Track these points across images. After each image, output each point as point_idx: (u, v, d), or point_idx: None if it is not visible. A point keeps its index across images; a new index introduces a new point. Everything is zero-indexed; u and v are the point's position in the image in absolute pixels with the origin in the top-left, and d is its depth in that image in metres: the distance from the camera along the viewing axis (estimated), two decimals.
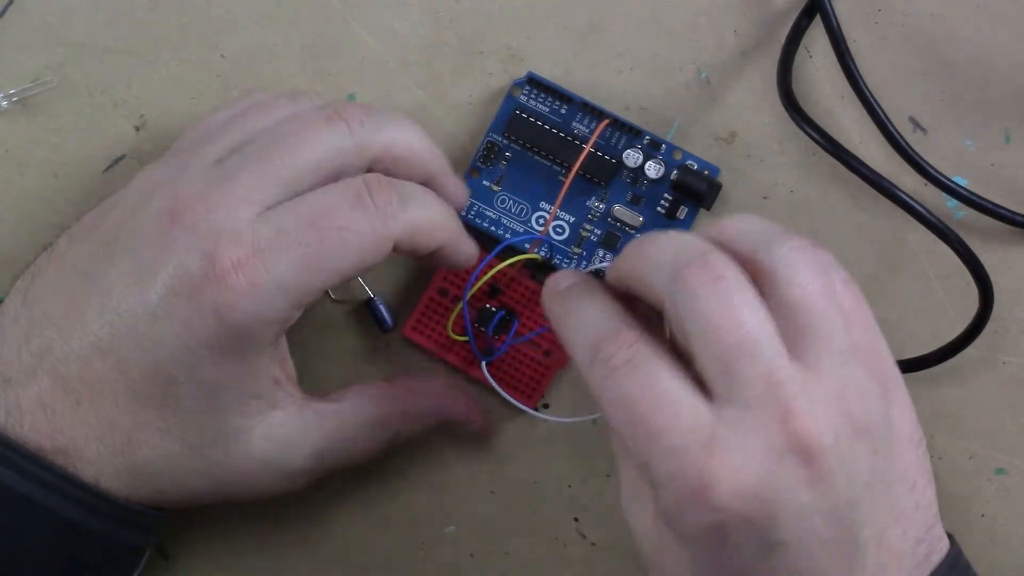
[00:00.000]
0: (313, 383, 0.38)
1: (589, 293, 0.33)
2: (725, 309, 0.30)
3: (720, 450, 0.29)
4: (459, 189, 0.38)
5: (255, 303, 0.32)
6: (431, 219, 0.35)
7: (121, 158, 0.42)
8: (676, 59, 0.42)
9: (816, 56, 0.41)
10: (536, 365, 0.41)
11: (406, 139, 0.36)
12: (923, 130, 0.42)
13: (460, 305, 0.39)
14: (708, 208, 0.40)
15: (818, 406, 0.30)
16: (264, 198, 0.33)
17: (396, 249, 0.34)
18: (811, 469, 0.30)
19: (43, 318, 0.34)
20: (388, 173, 0.35)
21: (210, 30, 0.42)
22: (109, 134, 0.41)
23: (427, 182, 0.37)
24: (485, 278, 0.39)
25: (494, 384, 0.39)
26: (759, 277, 0.31)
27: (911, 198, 0.38)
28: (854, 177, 0.39)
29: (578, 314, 0.33)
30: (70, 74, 0.41)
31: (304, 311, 0.34)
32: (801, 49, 0.41)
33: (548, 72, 0.41)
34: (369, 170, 0.35)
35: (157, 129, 0.42)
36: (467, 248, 0.37)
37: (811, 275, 0.31)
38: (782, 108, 0.40)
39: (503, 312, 0.40)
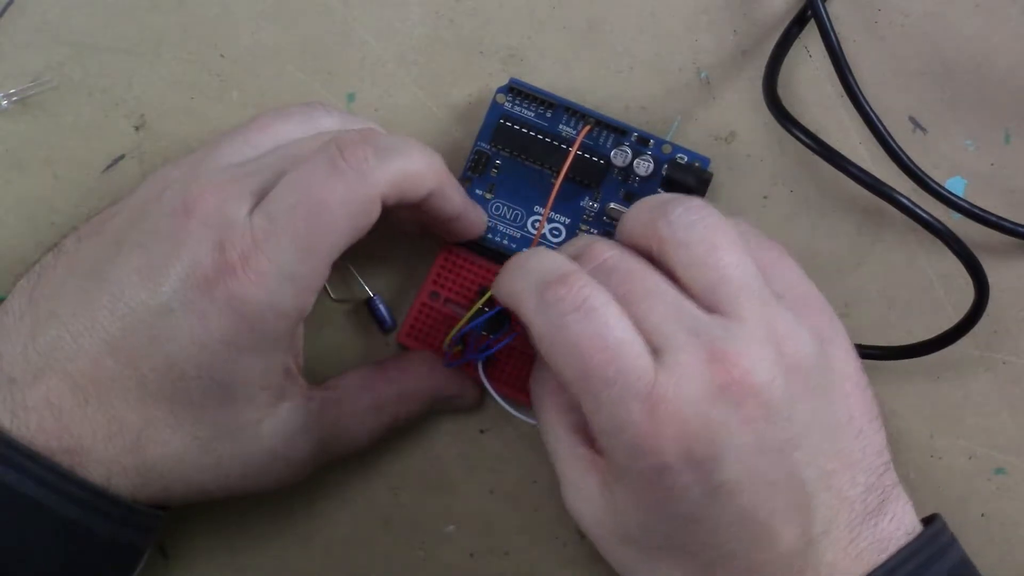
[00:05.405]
0: (313, 383, 0.38)
1: (536, 251, 0.34)
2: (588, 330, 0.31)
3: (662, 397, 0.30)
4: (477, 214, 0.39)
5: (265, 293, 0.32)
6: (413, 167, 0.34)
7: (121, 158, 0.42)
8: (676, 59, 0.42)
9: (816, 56, 0.41)
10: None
11: (415, 169, 0.34)
12: (923, 130, 0.42)
13: (456, 328, 0.38)
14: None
15: (745, 348, 0.31)
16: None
17: (387, 203, 0.34)
18: (748, 408, 0.31)
19: (50, 316, 0.34)
20: (404, 200, 0.34)
21: (210, 30, 0.42)
22: (109, 134, 0.41)
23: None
24: (477, 305, 0.38)
25: (488, 386, 0.39)
26: (664, 249, 0.32)
27: (900, 194, 0.38)
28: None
29: (526, 262, 0.34)
30: (70, 74, 0.42)
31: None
32: (801, 49, 0.41)
33: (548, 72, 0.41)
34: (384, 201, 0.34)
35: (157, 129, 0.42)
36: (456, 195, 0.37)
37: (711, 230, 0.32)
38: None
39: (493, 312, 0.39)
